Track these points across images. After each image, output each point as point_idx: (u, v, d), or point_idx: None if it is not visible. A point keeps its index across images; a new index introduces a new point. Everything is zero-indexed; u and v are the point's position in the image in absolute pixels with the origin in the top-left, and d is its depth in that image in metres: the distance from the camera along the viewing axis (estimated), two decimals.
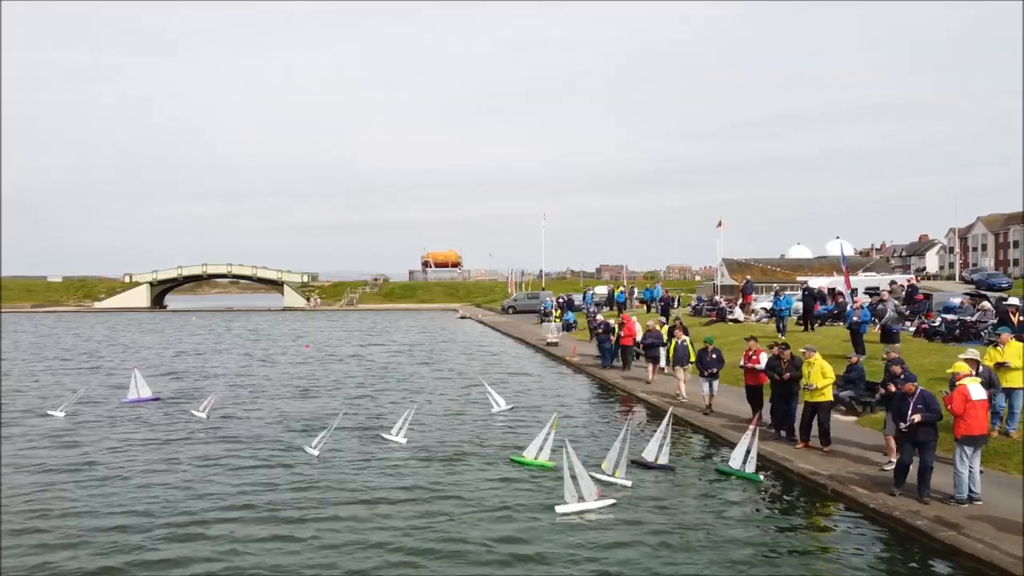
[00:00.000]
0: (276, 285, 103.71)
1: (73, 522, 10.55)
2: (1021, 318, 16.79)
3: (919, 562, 8.91)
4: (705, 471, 13.22)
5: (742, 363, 16.18)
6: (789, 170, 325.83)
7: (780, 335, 24.52)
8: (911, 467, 10.60)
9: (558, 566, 8.95)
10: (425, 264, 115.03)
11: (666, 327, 23.07)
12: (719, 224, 55.06)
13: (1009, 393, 12.93)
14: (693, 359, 18.82)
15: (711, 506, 11.27)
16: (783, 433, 14.71)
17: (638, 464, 13.22)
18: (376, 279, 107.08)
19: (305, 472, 13.24)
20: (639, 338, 24.66)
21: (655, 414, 18.19)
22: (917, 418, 10.23)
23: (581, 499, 10.98)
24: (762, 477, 12.35)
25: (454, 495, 11.76)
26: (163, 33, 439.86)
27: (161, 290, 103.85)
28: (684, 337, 19.70)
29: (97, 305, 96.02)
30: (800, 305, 29.55)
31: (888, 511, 10.11)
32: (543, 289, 72.82)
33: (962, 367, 10.74)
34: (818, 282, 39.49)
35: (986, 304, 22.49)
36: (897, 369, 11.74)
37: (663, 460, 13.19)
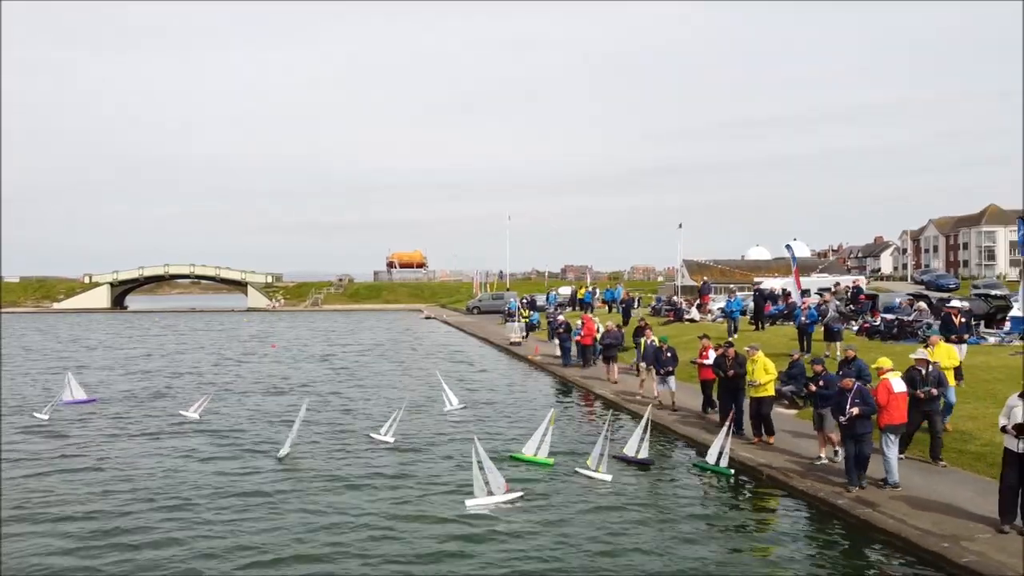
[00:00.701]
0: (240, 286, 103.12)
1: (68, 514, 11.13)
2: (962, 320, 17.76)
3: (838, 536, 9.96)
4: (678, 464, 14.05)
5: (693, 360, 17.17)
6: (752, 172, 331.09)
7: (731, 335, 25.62)
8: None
9: (463, 557, 9.40)
10: (390, 265, 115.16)
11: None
12: (680, 226, 56.43)
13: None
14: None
15: (666, 495, 12.18)
16: (731, 426, 15.67)
17: (619, 459, 13.87)
18: (341, 280, 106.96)
19: (274, 473, 13.87)
20: (598, 338, 25.53)
21: (618, 411, 19.12)
22: (855, 411, 10.92)
23: (490, 493, 11.48)
24: (732, 472, 12.85)
25: (389, 491, 12.29)
26: (118, 27, 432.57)
27: (122, 291, 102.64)
28: (653, 337, 20.13)
29: (56, 306, 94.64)
30: (752, 305, 30.78)
31: (814, 492, 11.17)
32: (508, 290, 73.63)
33: (885, 362, 11.78)
34: (774, 283, 40.88)
35: (922, 304, 23.81)
36: (819, 368, 12.84)
37: (643, 455, 13.76)
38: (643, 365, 20.30)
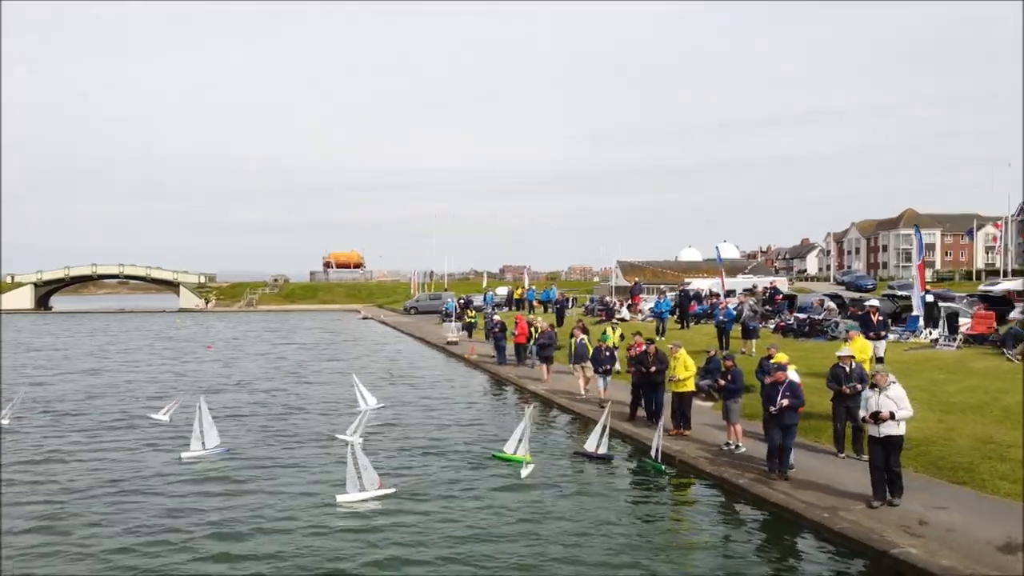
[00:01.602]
0: (171, 286, 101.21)
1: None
2: (880, 318, 19.17)
3: (738, 510, 11.17)
4: (567, 460, 15.10)
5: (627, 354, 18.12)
6: (687, 174, 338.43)
7: (658, 335, 26.92)
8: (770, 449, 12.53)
9: (331, 552, 9.66)
10: (327, 265, 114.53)
11: (615, 328, 23.56)
12: (615, 228, 58.16)
13: None
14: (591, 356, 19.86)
15: (589, 483, 13.20)
16: (652, 419, 16.80)
17: (580, 454, 14.54)
18: (276, 280, 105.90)
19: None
20: (535, 337, 26.35)
21: (548, 407, 20.16)
22: (785, 402, 11.68)
23: (362, 488, 11.78)
24: (664, 468, 13.48)
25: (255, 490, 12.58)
26: (45, 19, 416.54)
27: (46, 291, 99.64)
28: (582, 336, 20.81)
29: None
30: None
31: (720, 473, 12.36)
32: (445, 290, 74.27)
33: (782, 358, 13.06)
34: (704, 284, 42.62)
35: (831, 304, 25.52)
36: (729, 363, 14.08)
37: (603, 450, 14.40)
38: (577, 365, 20.68)
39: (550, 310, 43.18)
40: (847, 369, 12.56)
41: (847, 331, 16.90)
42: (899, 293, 34.07)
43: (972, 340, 21.68)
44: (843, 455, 12.97)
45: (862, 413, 10.46)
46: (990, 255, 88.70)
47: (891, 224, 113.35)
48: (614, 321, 29.33)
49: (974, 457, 11.84)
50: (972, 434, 12.94)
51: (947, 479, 11.32)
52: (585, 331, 21.86)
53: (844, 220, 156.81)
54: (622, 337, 22.48)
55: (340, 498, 11.70)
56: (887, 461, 10.19)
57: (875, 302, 22.63)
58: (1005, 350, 19.00)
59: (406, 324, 54.09)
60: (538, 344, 24.28)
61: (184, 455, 14.79)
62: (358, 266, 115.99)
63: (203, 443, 15.07)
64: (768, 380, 12.80)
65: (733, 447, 13.86)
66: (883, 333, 18.71)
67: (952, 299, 29.39)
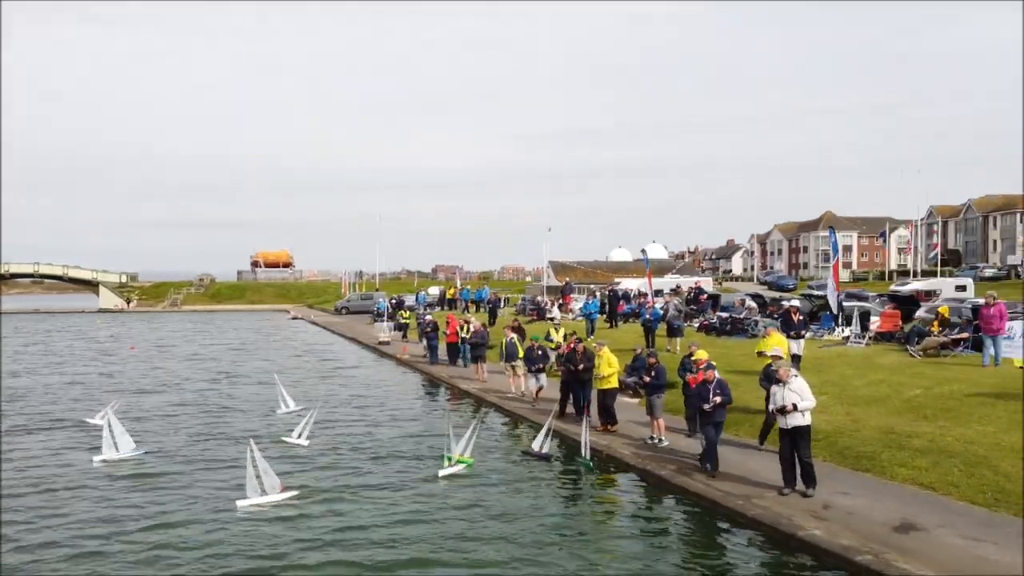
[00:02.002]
0: (90, 285, 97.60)
1: None
2: (800, 317, 20.04)
3: (661, 500, 11.76)
4: (510, 455, 15.46)
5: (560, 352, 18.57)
6: (617, 176, 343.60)
7: (588, 335, 27.53)
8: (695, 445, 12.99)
9: (219, 563, 9.46)
10: (255, 264, 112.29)
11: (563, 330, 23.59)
12: (549, 229, 58.92)
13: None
14: (522, 356, 20.28)
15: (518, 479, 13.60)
16: (579, 416, 17.31)
17: (526, 453, 14.70)
18: (202, 279, 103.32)
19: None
20: (467, 337, 26.61)
21: (480, 405, 20.50)
22: (718, 400, 12.04)
23: (263, 493, 11.61)
24: (593, 465, 13.76)
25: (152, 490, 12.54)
26: None
27: None
28: (513, 335, 21.07)
29: None
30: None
31: (643, 465, 12.94)
32: (377, 290, 73.87)
33: (702, 355, 13.70)
34: (633, 284, 43.64)
35: (751, 304, 26.62)
36: (652, 360, 14.70)
37: (546, 450, 14.61)
38: (508, 364, 20.89)
39: (482, 309, 43.57)
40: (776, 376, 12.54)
41: (765, 328, 17.73)
42: (816, 293, 35.67)
43: (880, 337, 22.93)
44: (763, 448, 13.46)
45: (770, 407, 11.12)
46: (902, 256, 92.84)
47: (811, 226, 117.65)
48: (556, 321, 29.83)
49: (876, 446, 12.67)
50: (875, 425, 13.82)
51: (851, 467, 12.11)
52: (518, 330, 22.24)
53: (768, 222, 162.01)
54: (565, 337, 22.84)
55: (240, 504, 11.45)
56: (796, 451, 10.87)
57: (796, 302, 23.73)
58: (908, 346, 20.21)
59: (337, 324, 53.67)
60: (471, 343, 24.55)
61: (96, 459, 14.44)
62: (287, 265, 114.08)
63: (116, 447, 14.72)
64: (690, 378, 13.46)
65: (656, 441, 14.45)
66: (803, 332, 19.63)
67: (866, 299, 30.99)
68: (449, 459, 13.85)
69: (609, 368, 16.08)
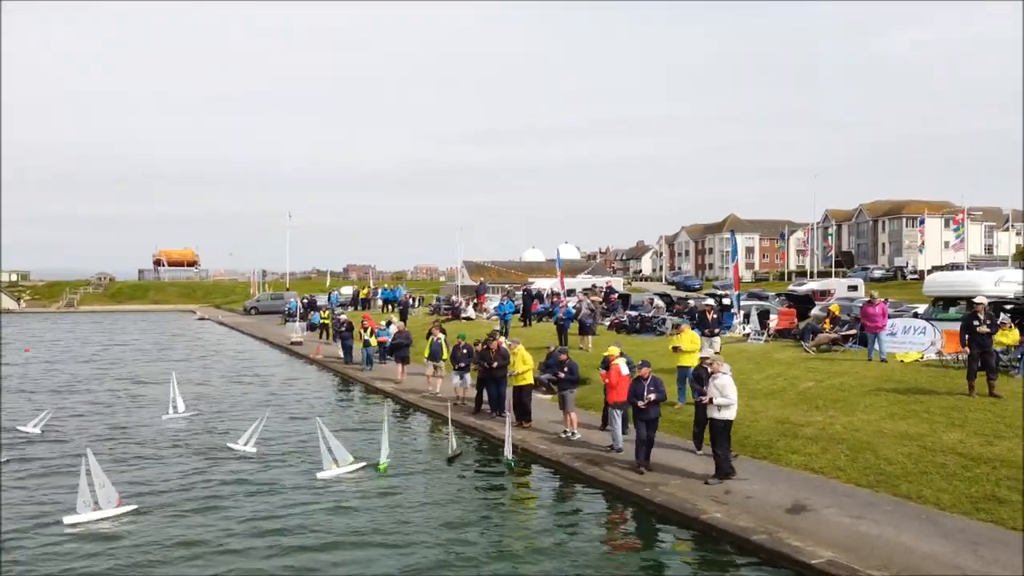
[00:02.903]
0: None
1: None
2: (714, 315, 20.77)
3: (574, 490, 12.28)
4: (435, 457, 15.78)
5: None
6: (529, 177, 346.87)
7: (503, 334, 27.94)
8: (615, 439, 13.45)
9: None
10: (157, 263, 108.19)
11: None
12: (460, 228, 59.32)
13: (686, 371, 15.32)
14: (446, 356, 20.45)
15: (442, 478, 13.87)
16: (494, 411, 17.73)
17: (449, 461, 14.38)
18: (100, 278, 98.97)
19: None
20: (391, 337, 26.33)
21: (403, 407, 20.62)
22: (652, 397, 12.24)
23: (96, 507, 10.82)
24: (513, 463, 13.88)
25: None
26: None
27: None
28: (439, 335, 21.10)
29: None
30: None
31: (557, 458, 13.48)
32: (287, 289, 72.51)
33: (614, 351, 14.30)
34: (547, 283, 44.38)
35: (659, 303, 27.66)
36: (563, 356, 15.25)
37: (454, 446, 14.76)
38: (431, 363, 20.87)
39: (394, 309, 43.48)
40: (708, 370, 12.47)
41: (677, 325, 18.42)
42: (720, 292, 37.25)
43: (778, 334, 24.24)
44: (700, 452, 13.11)
45: (701, 397, 11.76)
46: (800, 258, 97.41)
47: (716, 228, 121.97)
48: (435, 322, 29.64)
49: (772, 435, 13.54)
50: (772, 416, 14.74)
51: (750, 455, 12.90)
52: (442, 331, 22.31)
53: (676, 223, 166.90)
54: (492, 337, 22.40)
55: (68, 519, 10.63)
56: (712, 443, 11.51)
57: (711, 301, 24.80)
58: (803, 342, 21.47)
59: (247, 325, 52.51)
60: (394, 344, 24.23)
61: None
62: (192, 264, 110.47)
63: None
64: (602, 374, 14.03)
65: (570, 435, 14.98)
66: (716, 330, 20.33)
67: (766, 298, 32.63)
68: (336, 460, 13.43)
69: (524, 365, 16.53)
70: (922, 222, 65.32)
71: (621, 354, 14.13)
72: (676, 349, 16.38)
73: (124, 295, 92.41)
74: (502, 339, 18.77)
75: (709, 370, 11.89)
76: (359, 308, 48.18)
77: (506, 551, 9.78)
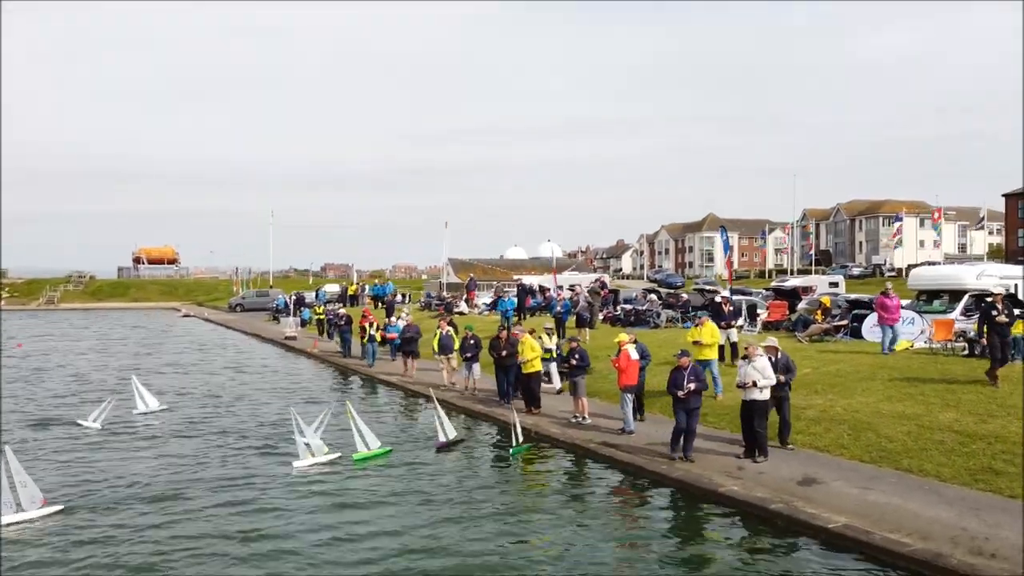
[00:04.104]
0: None
1: None
2: (730, 308, 21.13)
3: (590, 469, 12.91)
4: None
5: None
6: (508, 176, 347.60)
7: (512, 328, 28.37)
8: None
9: None
10: (137, 260, 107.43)
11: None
12: (446, 225, 59.68)
13: (707, 364, 15.71)
14: (457, 347, 20.56)
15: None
16: (503, 399, 18.23)
17: (441, 449, 14.41)
18: (80, 276, 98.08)
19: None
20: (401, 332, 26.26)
21: (414, 399, 21.04)
22: (692, 386, 12.25)
23: (19, 509, 10.34)
24: (520, 451, 14.15)
25: None
26: None
27: None
28: (448, 328, 21.31)
29: None
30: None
31: (571, 440, 14.07)
32: (271, 287, 72.55)
33: (623, 337, 14.87)
34: (531, 280, 44.93)
35: (653, 297, 28.34)
36: (574, 344, 15.82)
37: (452, 435, 14.73)
38: (442, 356, 21.10)
39: (381, 306, 43.70)
40: (772, 359, 12.36)
41: (699, 317, 18.15)
42: (707, 288, 38.05)
43: (770, 326, 24.99)
44: (790, 447, 12.87)
45: (736, 381, 12.30)
46: (779, 256, 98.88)
47: (696, 227, 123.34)
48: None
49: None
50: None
51: None
52: (452, 324, 22.55)
53: (655, 222, 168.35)
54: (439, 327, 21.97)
55: None
56: (752, 423, 12.06)
57: (726, 293, 25.43)
58: (796, 333, 22.24)
59: (235, 321, 52.59)
60: (404, 338, 23.88)
61: None
62: (172, 262, 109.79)
63: None
64: (612, 360, 14.58)
65: (580, 419, 15.55)
66: (732, 322, 20.51)
67: (750, 294, 33.45)
68: (309, 447, 13.37)
69: (532, 352, 17.01)
70: (899, 219, 66.67)
71: (633, 341, 14.69)
72: (697, 343, 16.24)
73: (104, 293, 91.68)
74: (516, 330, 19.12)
75: (744, 354, 12.31)
76: (347, 304, 48.41)
77: (525, 524, 10.32)
